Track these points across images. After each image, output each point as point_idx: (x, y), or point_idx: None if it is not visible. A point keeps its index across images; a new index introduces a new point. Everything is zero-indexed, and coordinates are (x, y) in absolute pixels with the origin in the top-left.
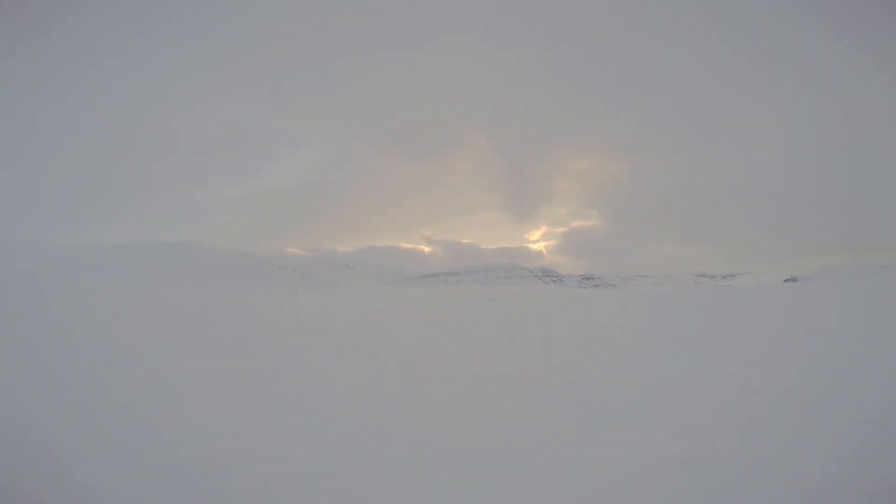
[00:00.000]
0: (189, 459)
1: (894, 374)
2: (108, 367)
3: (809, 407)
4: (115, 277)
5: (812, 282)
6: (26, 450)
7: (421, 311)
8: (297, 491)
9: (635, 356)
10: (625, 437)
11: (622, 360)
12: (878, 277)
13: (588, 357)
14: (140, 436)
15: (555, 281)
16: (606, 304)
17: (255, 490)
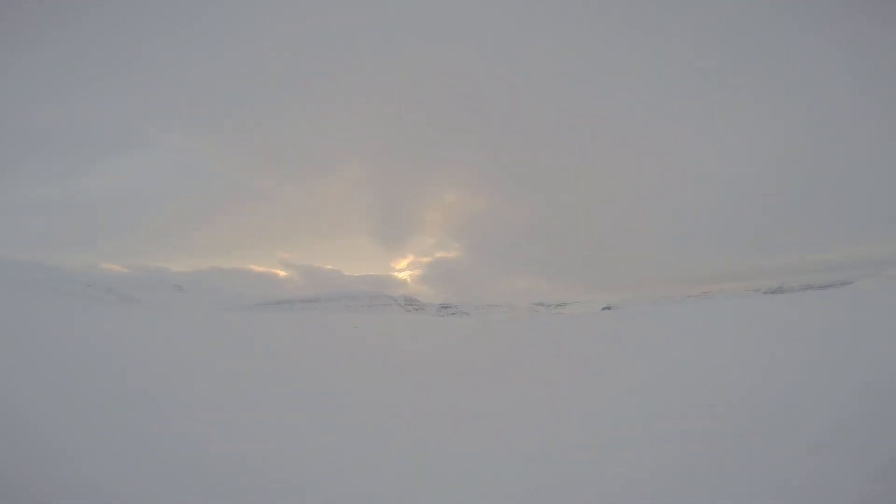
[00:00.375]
0: None
1: (696, 389)
2: None
3: (638, 425)
4: None
5: (623, 310)
6: None
7: (266, 339)
8: None
9: (478, 380)
10: (474, 458)
11: (466, 385)
12: (677, 306)
13: (441, 381)
14: None
15: (416, 309)
16: (460, 331)
17: None
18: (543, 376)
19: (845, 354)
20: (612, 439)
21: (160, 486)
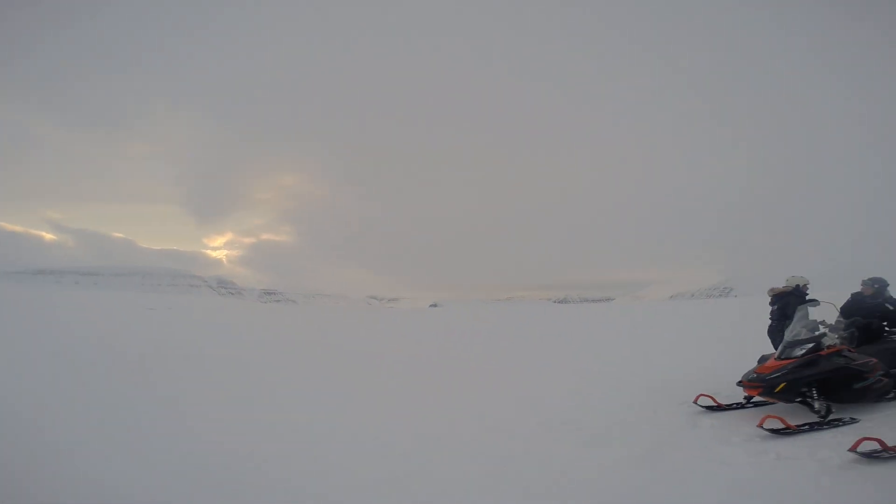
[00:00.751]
0: None
1: (508, 377)
2: None
3: (474, 413)
4: None
5: (447, 307)
6: None
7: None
8: None
9: (314, 367)
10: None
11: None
12: (489, 307)
13: (268, 369)
14: None
15: (232, 294)
16: (288, 318)
17: None
18: (386, 365)
19: (608, 356)
20: (455, 430)
21: None
